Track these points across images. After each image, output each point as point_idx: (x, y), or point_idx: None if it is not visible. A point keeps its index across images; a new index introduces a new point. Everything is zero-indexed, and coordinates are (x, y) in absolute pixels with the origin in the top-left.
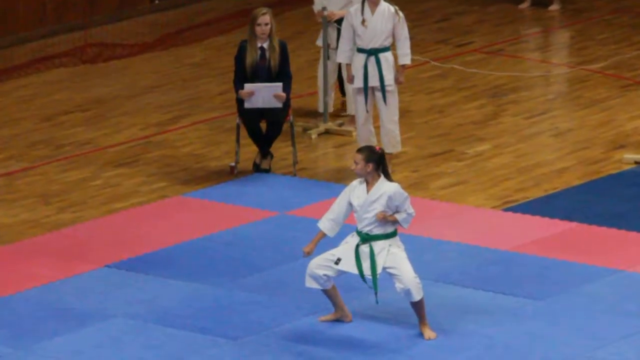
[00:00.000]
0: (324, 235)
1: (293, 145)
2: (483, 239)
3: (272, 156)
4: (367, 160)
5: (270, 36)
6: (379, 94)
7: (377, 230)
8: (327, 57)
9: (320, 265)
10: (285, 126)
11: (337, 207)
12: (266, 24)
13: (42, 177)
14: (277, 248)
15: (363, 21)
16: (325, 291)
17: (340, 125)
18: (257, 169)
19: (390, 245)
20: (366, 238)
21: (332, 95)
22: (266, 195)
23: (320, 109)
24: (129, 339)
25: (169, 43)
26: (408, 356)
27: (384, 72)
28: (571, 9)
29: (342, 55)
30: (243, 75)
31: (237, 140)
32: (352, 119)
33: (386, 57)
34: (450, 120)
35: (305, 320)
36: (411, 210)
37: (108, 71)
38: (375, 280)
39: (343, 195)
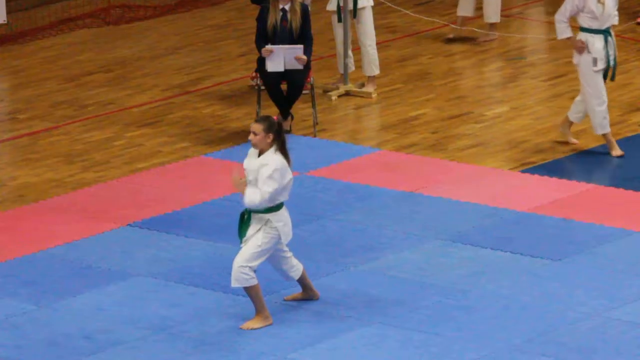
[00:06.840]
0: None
1: (313, 106)
2: (501, 199)
3: (292, 117)
4: (268, 131)
5: None
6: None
7: None
8: (341, 19)
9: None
10: (306, 87)
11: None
12: None
13: (65, 137)
14: (297, 208)
15: None
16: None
17: (361, 86)
18: None
19: (268, 220)
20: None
21: (352, 56)
22: None
23: (340, 70)
24: (151, 297)
25: (191, 5)
26: (426, 315)
27: None
28: None
29: None
30: (265, 35)
31: (258, 102)
32: (371, 80)
33: None
34: (469, 83)
35: (324, 280)
36: (266, 188)
37: (131, 33)
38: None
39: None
